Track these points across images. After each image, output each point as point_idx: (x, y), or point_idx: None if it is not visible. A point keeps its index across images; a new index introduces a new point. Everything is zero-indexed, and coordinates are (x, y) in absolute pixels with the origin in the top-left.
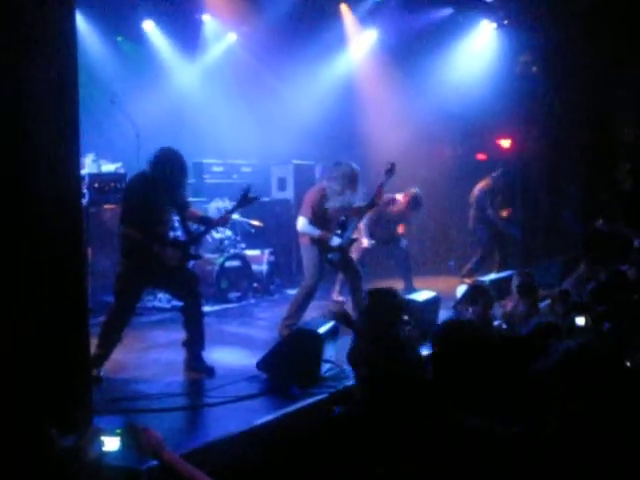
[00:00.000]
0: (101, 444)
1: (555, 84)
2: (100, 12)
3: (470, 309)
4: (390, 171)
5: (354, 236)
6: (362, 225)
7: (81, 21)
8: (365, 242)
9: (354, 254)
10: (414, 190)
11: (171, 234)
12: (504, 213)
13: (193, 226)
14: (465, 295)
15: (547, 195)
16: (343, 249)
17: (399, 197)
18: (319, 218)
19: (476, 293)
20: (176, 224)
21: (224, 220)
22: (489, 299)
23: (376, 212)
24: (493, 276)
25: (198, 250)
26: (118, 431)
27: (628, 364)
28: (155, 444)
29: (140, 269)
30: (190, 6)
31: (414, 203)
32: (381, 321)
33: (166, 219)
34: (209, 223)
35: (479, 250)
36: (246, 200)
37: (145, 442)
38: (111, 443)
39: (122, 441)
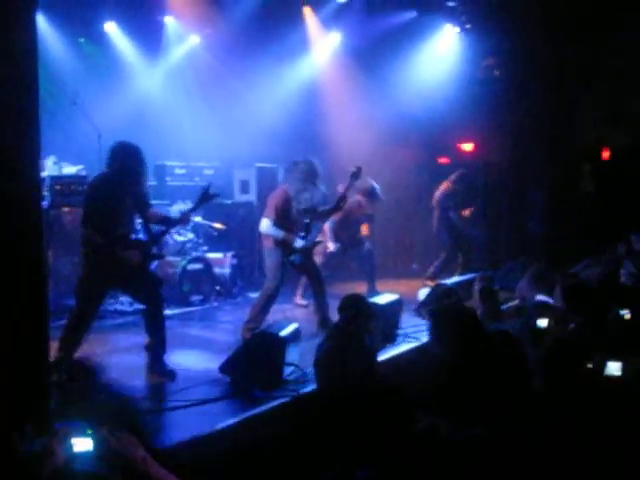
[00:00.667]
0: (72, 445)
1: (517, 88)
2: (62, 13)
3: None
4: (355, 175)
5: (318, 239)
6: (327, 228)
7: (43, 22)
8: (331, 246)
9: (318, 257)
10: (368, 181)
11: (133, 236)
12: (466, 212)
13: (155, 227)
14: (430, 297)
15: (509, 198)
16: (306, 251)
17: (358, 196)
18: (283, 220)
19: (442, 294)
20: (138, 227)
21: (185, 219)
22: (458, 299)
23: (342, 215)
24: (456, 279)
25: (160, 250)
26: (89, 431)
27: (590, 366)
28: (128, 446)
29: (102, 272)
30: (152, 8)
31: (370, 193)
32: (356, 328)
33: (128, 220)
34: (170, 222)
35: (442, 253)
36: (206, 198)
37: (117, 444)
38: (82, 444)
39: (93, 442)
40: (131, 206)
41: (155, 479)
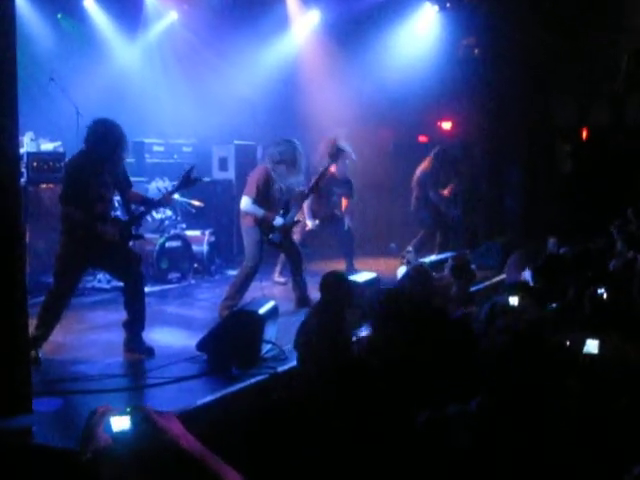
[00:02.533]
0: (110, 425)
1: (496, 67)
2: None
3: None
4: (335, 155)
5: (297, 218)
6: (304, 206)
7: None
8: (309, 224)
9: (296, 235)
10: (331, 140)
11: (112, 213)
12: (445, 192)
13: (134, 207)
14: (406, 276)
15: (488, 177)
16: (286, 230)
17: (333, 169)
18: (262, 198)
19: (417, 273)
20: (116, 204)
21: (165, 200)
22: (429, 279)
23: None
24: (433, 258)
25: (139, 230)
26: (128, 409)
27: (567, 343)
28: (168, 423)
29: (81, 249)
30: None
31: (334, 154)
32: (334, 305)
33: (107, 197)
34: (150, 204)
35: (420, 232)
36: (189, 181)
37: (157, 421)
38: (121, 422)
39: (132, 420)
40: (110, 184)
41: (197, 454)
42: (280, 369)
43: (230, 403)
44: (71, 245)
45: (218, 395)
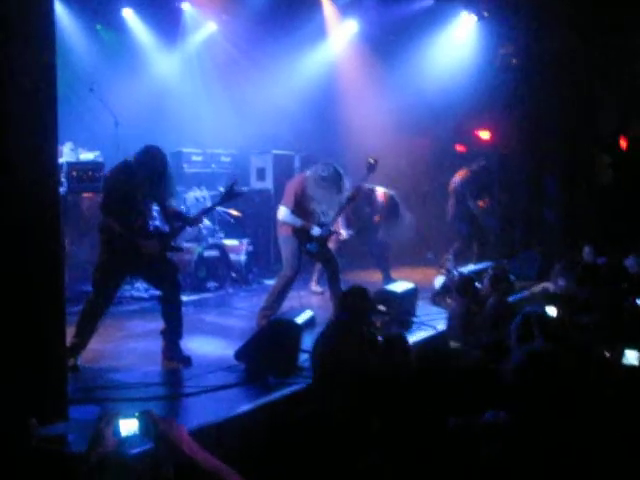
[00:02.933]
0: (119, 428)
1: (534, 76)
2: (79, 0)
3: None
4: (372, 167)
5: (334, 228)
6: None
7: (61, 9)
8: (344, 233)
9: (333, 244)
10: (391, 193)
11: (151, 224)
12: (481, 204)
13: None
14: (449, 286)
15: (526, 187)
16: (323, 239)
17: (379, 191)
18: (300, 208)
19: (464, 284)
20: (155, 214)
21: (201, 217)
22: (475, 290)
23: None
24: (471, 267)
25: (177, 242)
26: (136, 414)
27: (607, 355)
28: (174, 428)
29: (119, 259)
30: None
31: (391, 208)
32: (352, 319)
33: (146, 209)
34: (186, 219)
35: (457, 241)
36: (231, 196)
37: (164, 426)
38: (129, 426)
39: (140, 424)
40: (150, 195)
41: (201, 461)
42: None
43: (267, 412)
44: (110, 255)
45: (255, 404)
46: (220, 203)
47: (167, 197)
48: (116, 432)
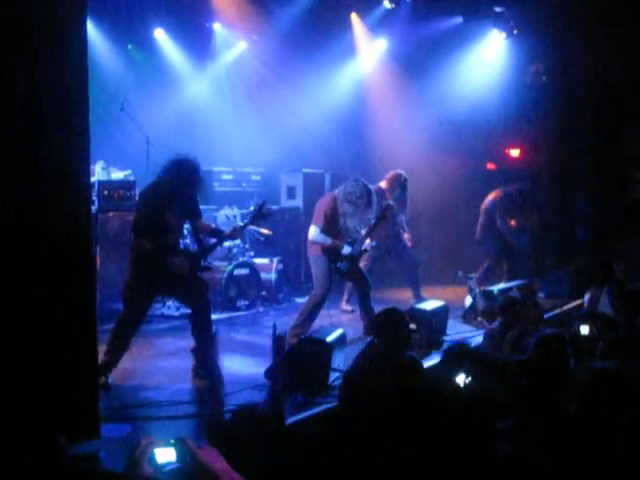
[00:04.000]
0: (155, 456)
1: (565, 94)
2: (111, 20)
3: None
4: (403, 185)
5: (364, 247)
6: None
7: (92, 29)
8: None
9: (363, 263)
10: (396, 171)
11: (181, 243)
12: (513, 222)
13: (203, 237)
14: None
15: (556, 205)
16: (353, 258)
17: (382, 184)
18: (330, 227)
19: (506, 304)
20: (185, 232)
21: (236, 234)
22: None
23: None
24: (502, 286)
25: (208, 261)
26: (172, 442)
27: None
28: (211, 458)
29: (150, 277)
30: (201, 15)
31: (395, 181)
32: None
33: (178, 228)
34: (220, 236)
35: (487, 260)
36: (260, 215)
37: (200, 456)
38: (165, 455)
39: (177, 453)
40: (181, 215)
41: None
42: None
43: (298, 430)
44: (140, 273)
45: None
46: (250, 223)
47: (199, 215)
48: (152, 460)
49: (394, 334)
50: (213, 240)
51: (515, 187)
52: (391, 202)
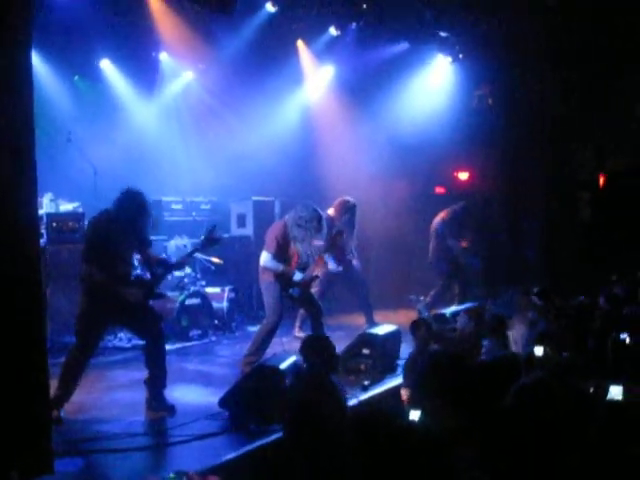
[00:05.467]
0: None
1: (511, 117)
2: (57, 51)
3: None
4: (351, 210)
5: (314, 273)
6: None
7: (38, 60)
8: (331, 266)
9: (314, 289)
10: (343, 198)
11: (134, 274)
12: (463, 244)
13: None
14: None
15: (506, 227)
16: (305, 284)
17: (330, 212)
18: (282, 253)
19: (415, 326)
20: (136, 263)
21: (183, 262)
22: (430, 333)
23: None
24: (454, 308)
25: (159, 289)
26: (172, 475)
27: (591, 390)
28: None
29: (102, 307)
30: (147, 44)
31: (344, 208)
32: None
33: (128, 258)
34: (170, 265)
35: (438, 282)
36: (210, 241)
37: None
38: None
39: None
40: (131, 244)
41: None
42: None
43: (251, 460)
44: (92, 305)
45: (240, 452)
46: (200, 249)
47: (148, 244)
48: None
49: (323, 357)
50: (162, 269)
51: (460, 205)
52: (340, 228)
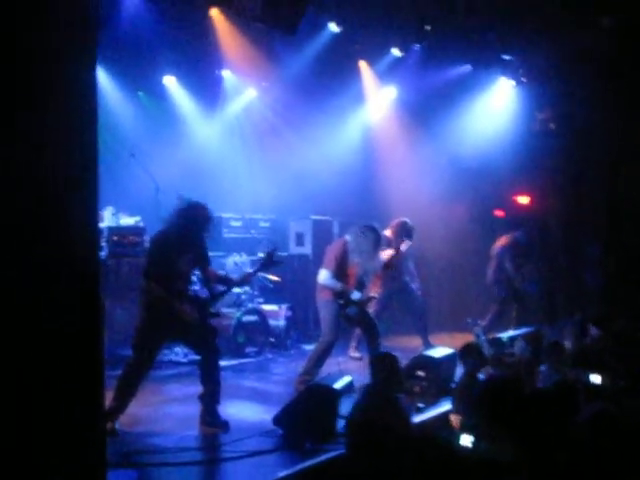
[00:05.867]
0: None
1: (573, 141)
2: (122, 67)
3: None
4: (409, 233)
5: (372, 293)
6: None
7: (103, 76)
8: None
9: (370, 309)
10: (402, 219)
11: (191, 290)
12: (521, 271)
13: (212, 285)
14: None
15: (566, 252)
16: (362, 304)
17: (387, 232)
18: (341, 272)
19: (466, 351)
20: (195, 279)
21: (245, 281)
22: (481, 358)
23: None
24: (511, 333)
25: (216, 307)
26: None
27: None
28: None
29: (159, 322)
30: (211, 62)
31: (401, 230)
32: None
33: (187, 275)
34: (229, 283)
35: (494, 306)
36: (270, 263)
37: None
38: None
39: None
40: (191, 261)
41: None
42: None
43: (305, 478)
44: (150, 319)
45: (292, 470)
46: (259, 270)
47: (208, 261)
48: None
49: (390, 375)
50: (222, 287)
51: (521, 232)
52: (396, 250)
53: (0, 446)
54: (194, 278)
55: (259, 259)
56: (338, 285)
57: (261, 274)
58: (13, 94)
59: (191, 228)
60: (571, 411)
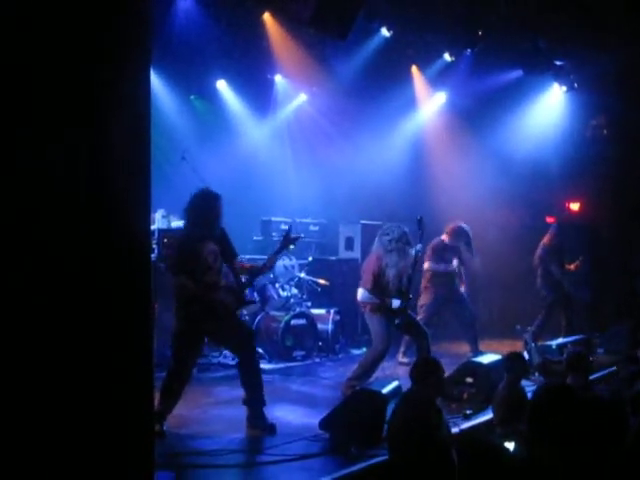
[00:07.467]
0: None
1: (626, 148)
2: (174, 70)
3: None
4: (419, 223)
5: (410, 295)
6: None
7: (155, 78)
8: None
9: (420, 315)
10: (457, 223)
11: (224, 282)
12: (572, 267)
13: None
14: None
15: (618, 259)
16: (405, 310)
17: (443, 237)
18: (378, 285)
19: (510, 360)
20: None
21: (269, 264)
22: (524, 368)
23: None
24: (560, 340)
25: (252, 295)
26: None
27: None
28: None
29: (196, 323)
30: (262, 66)
31: (455, 233)
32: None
33: (216, 267)
34: (256, 270)
35: (542, 312)
36: (288, 241)
37: None
38: None
39: None
40: (218, 253)
41: None
42: None
43: None
44: (187, 320)
45: (338, 475)
46: (280, 250)
47: (235, 254)
48: None
49: (431, 380)
50: (247, 277)
51: (554, 226)
52: (418, 248)
53: (56, 445)
54: (226, 270)
55: (279, 244)
56: (376, 300)
57: (310, 278)
58: (74, 96)
59: (206, 216)
60: (627, 419)
